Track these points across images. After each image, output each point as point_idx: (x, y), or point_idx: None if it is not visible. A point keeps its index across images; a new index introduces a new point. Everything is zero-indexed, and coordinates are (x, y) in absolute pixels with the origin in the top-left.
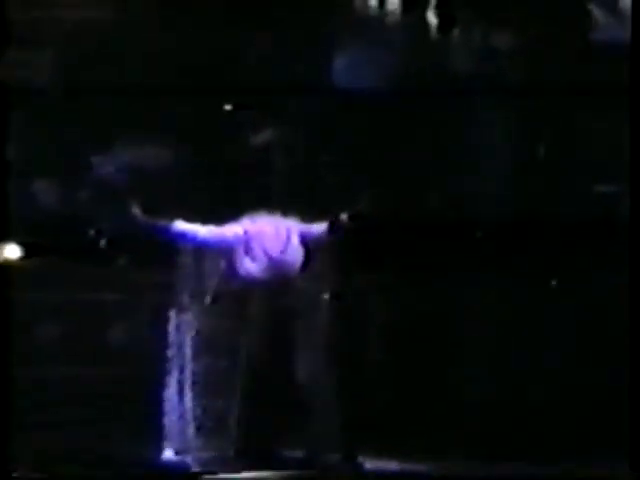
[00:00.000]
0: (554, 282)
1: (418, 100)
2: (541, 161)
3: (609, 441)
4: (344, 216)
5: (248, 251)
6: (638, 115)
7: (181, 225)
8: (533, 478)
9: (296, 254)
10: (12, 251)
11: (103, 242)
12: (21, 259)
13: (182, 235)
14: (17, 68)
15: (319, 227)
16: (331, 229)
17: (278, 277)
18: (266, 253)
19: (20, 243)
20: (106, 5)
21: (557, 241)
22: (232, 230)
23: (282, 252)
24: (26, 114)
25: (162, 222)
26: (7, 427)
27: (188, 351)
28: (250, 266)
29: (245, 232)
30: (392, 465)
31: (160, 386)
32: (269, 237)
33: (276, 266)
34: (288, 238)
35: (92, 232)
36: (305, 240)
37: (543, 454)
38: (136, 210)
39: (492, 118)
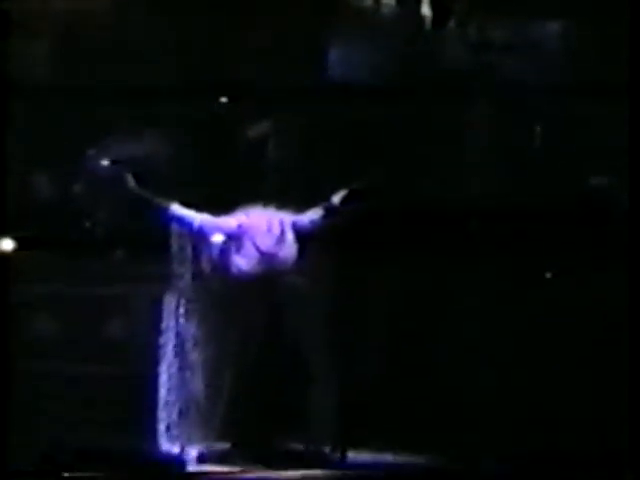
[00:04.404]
0: (548, 274)
1: (413, 93)
2: (538, 152)
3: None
4: (336, 198)
5: (239, 248)
6: (637, 110)
7: (178, 209)
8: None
9: (289, 249)
10: (7, 243)
11: (99, 234)
12: (17, 251)
13: (179, 219)
14: (16, 60)
15: (313, 213)
16: (325, 213)
17: (269, 272)
18: (257, 248)
19: (16, 236)
20: None
21: (553, 233)
22: (227, 222)
23: (274, 247)
24: (24, 106)
25: (160, 201)
26: (5, 421)
27: (187, 344)
28: (240, 262)
29: (239, 226)
30: (385, 457)
31: (158, 379)
32: (261, 232)
33: (267, 261)
34: (282, 232)
35: (88, 224)
36: (299, 231)
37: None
38: (131, 181)
39: (488, 110)
